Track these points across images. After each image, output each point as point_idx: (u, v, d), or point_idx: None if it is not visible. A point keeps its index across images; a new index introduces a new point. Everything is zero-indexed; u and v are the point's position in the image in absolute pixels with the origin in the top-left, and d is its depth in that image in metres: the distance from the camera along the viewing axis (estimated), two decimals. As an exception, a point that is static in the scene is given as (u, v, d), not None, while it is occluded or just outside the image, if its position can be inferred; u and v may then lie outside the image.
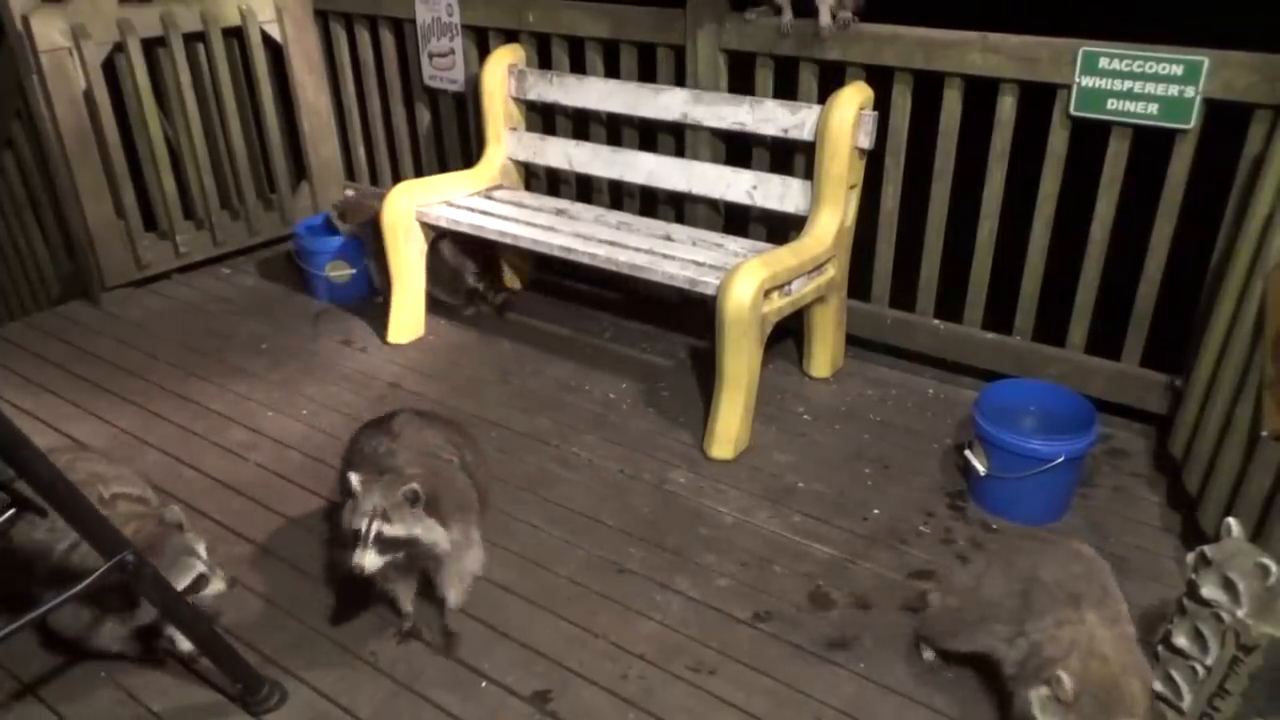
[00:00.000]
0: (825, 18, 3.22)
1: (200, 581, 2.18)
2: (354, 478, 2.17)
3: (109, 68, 4.03)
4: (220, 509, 2.93)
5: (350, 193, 4.42)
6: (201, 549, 2.21)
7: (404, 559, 2.22)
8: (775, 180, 3.45)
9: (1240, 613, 1.92)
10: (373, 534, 2.10)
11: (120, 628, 2.19)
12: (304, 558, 2.71)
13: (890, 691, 2.28)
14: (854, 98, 3.17)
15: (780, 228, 3.57)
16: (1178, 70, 2.78)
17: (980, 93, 3.16)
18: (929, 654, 2.34)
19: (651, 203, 3.96)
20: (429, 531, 2.19)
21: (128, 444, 3.22)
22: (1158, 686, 2.07)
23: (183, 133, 4.31)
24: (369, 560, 2.10)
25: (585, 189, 4.14)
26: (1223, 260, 2.77)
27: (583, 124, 4.03)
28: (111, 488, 2.33)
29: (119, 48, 4.03)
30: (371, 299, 4.15)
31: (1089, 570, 2.07)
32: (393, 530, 2.12)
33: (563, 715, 2.22)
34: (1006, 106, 3.13)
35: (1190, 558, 2.06)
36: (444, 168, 4.47)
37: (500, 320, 4.05)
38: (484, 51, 4.08)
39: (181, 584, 2.12)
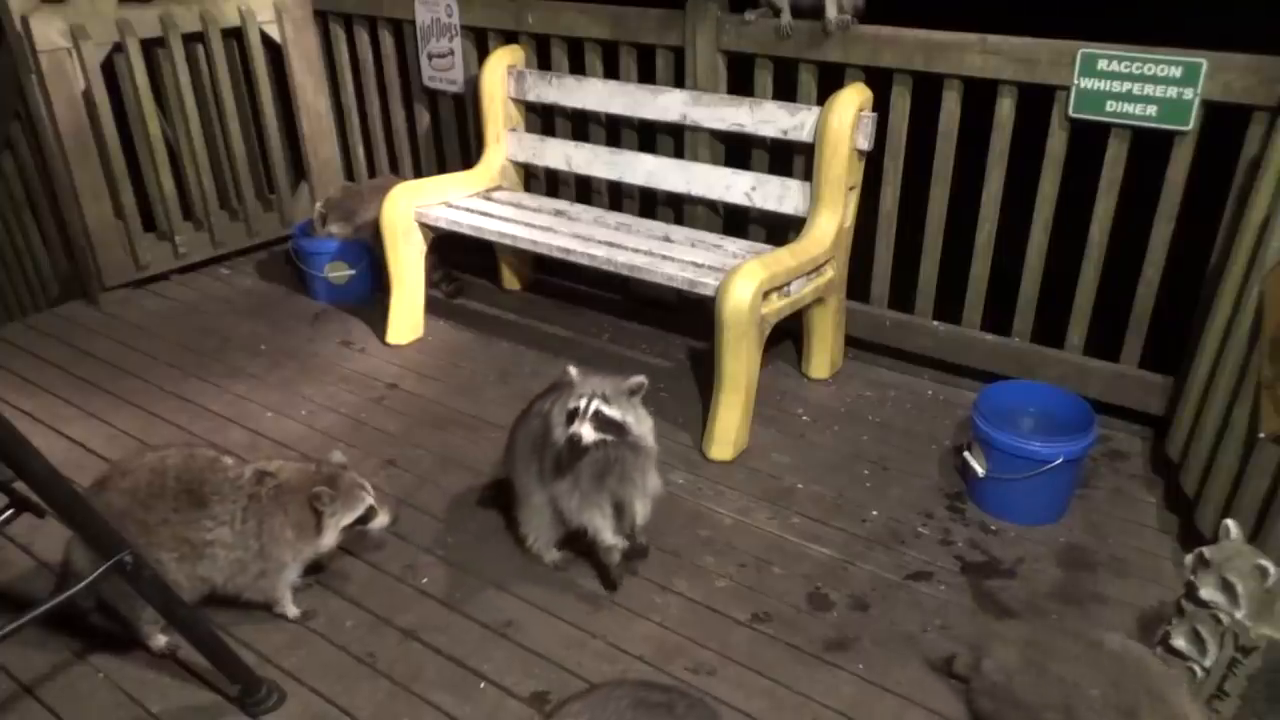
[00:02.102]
0: (832, 10, 3.22)
1: (370, 512, 2.43)
2: (572, 369, 2.36)
3: (108, 68, 4.03)
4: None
5: (331, 193, 4.40)
6: (369, 485, 2.46)
7: (611, 454, 2.33)
8: (774, 181, 3.45)
9: (1239, 614, 1.92)
10: (591, 409, 2.25)
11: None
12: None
13: (888, 693, 2.28)
14: (853, 99, 3.17)
15: (779, 229, 3.58)
16: (1176, 72, 2.78)
17: (979, 94, 3.17)
18: None
19: (651, 204, 3.96)
20: (640, 423, 2.34)
21: (126, 445, 3.21)
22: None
23: (182, 133, 4.31)
24: (586, 431, 2.24)
25: (584, 190, 4.14)
26: (1221, 262, 2.78)
27: (582, 125, 4.04)
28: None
29: (118, 48, 4.03)
30: (371, 300, 4.16)
31: (1139, 676, 1.87)
32: (609, 411, 2.26)
33: (561, 716, 2.23)
34: (1005, 108, 3.14)
35: (1189, 559, 2.06)
36: (443, 169, 4.47)
37: (484, 316, 4.08)
38: (483, 52, 4.08)
39: (355, 514, 2.40)
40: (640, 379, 2.33)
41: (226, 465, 2.41)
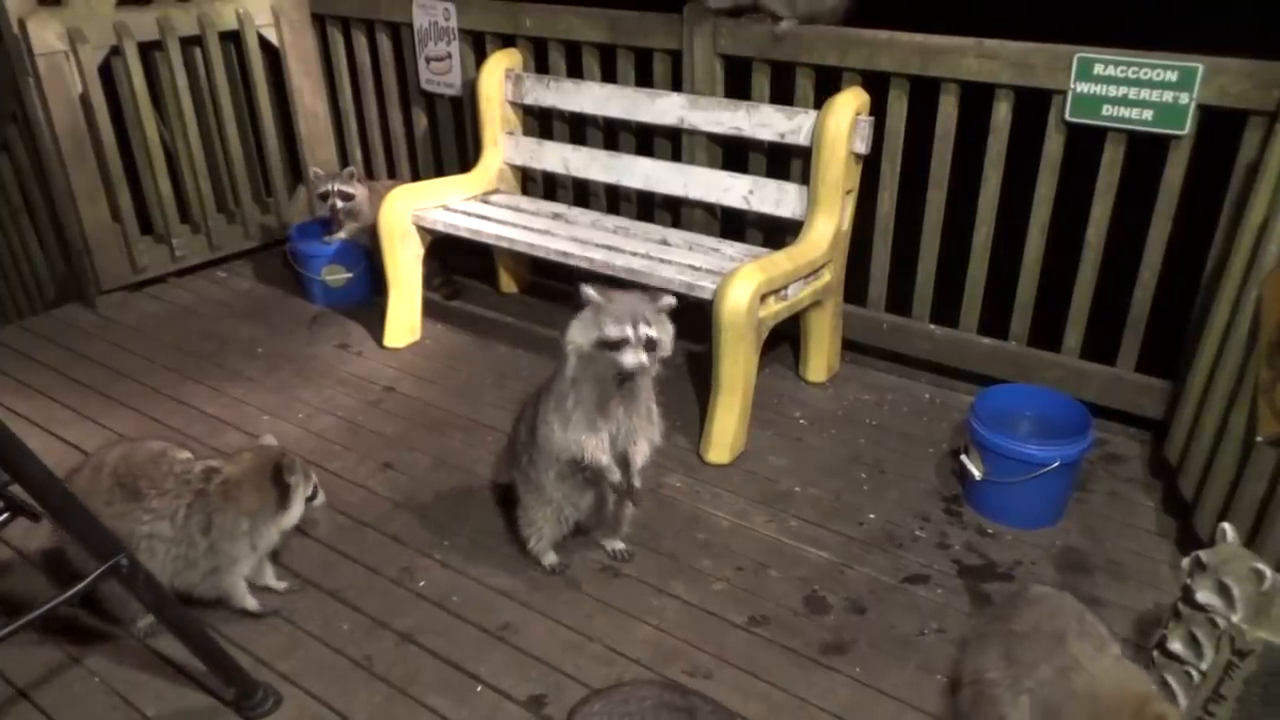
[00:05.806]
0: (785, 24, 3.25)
1: (316, 488, 2.49)
2: (591, 290, 2.29)
3: (105, 71, 4.03)
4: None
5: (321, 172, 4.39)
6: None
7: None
8: (772, 185, 3.45)
9: (1235, 618, 1.92)
10: (644, 338, 2.24)
11: None
12: (298, 560, 2.71)
13: (886, 696, 2.28)
14: (850, 103, 3.18)
15: (777, 232, 3.58)
16: (1172, 76, 2.79)
17: (976, 98, 3.17)
18: None
19: (648, 207, 3.96)
20: (667, 336, 2.34)
21: (123, 447, 3.21)
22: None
23: (179, 136, 4.31)
24: (644, 359, 2.24)
25: (582, 193, 4.14)
26: (1218, 265, 2.78)
27: (579, 128, 4.04)
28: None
29: (115, 51, 4.03)
30: (368, 303, 4.16)
31: (1058, 607, 2.01)
32: (649, 332, 2.26)
33: (558, 720, 2.22)
34: (1002, 112, 3.14)
35: (1185, 563, 2.06)
36: (441, 172, 4.47)
37: (482, 319, 4.07)
38: (481, 56, 4.08)
39: (311, 485, 2.46)
40: (670, 299, 2.35)
41: (174, 459, 2.41)
